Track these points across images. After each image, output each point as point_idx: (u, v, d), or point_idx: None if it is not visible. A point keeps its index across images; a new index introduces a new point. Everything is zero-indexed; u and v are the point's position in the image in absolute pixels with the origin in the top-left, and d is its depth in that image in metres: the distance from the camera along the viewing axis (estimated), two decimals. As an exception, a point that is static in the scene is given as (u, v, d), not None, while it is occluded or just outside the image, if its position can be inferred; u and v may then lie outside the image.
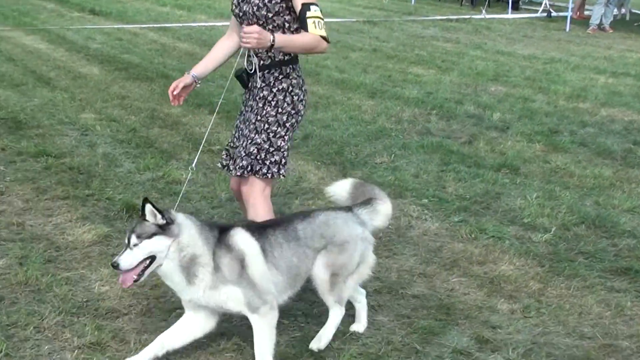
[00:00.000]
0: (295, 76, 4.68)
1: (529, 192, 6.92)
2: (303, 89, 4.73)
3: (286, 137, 4.66)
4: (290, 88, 4.66)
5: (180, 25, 17.15)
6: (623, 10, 20.77)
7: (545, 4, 21.91)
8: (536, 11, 21.98)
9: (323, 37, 4.52)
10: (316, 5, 4.53)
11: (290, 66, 4.65)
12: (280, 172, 4.64)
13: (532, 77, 12.35)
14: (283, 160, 4.66)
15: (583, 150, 8.42)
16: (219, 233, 3.84)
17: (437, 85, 11.47)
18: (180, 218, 3.76)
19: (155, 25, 16.89)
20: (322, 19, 4.54)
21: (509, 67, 13.13)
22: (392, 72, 12.39)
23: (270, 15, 4.49)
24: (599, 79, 12.43)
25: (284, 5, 4.48)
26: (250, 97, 4.72)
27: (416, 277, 5.16)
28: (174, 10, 20.17)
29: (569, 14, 19.15)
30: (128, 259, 3.64)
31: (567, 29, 18.64)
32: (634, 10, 22.62)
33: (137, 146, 7.82)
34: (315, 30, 4.48)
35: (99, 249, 5.27)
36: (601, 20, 18.42)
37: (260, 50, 4.51)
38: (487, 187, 7.06)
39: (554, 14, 21.44)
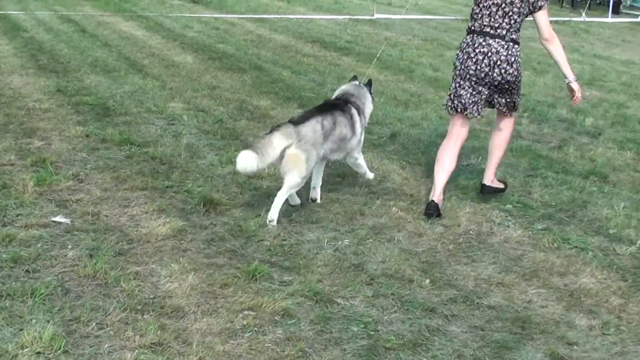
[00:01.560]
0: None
1: (617, 201, 6.59)
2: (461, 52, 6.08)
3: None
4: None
5: (279, 16, 17.12)
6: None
7: None
8: (637, 16, 21.28)
9: None
10: None
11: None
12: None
13: (628, 82, 11.89)
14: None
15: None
16: None
17: (531, 87, 11.12)
18: None
19: (253, 16, 16.89)
20: None
21: (606, 72, 12.67)
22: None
23: None
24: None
25: None
26: None
27: (494, 286, 4.92)
28: (273, 1, 20.18)
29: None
30: None
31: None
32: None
33: (222, 138, 7.73)
34: None
35: (172, 244, 5.16)
36: None
37: None
38: (573, 194, 6.75)
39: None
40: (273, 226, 5.49)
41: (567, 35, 16.93)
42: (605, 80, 11.92)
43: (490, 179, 6.43)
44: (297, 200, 5.92)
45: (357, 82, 6.38)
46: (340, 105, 5.96)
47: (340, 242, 5.36)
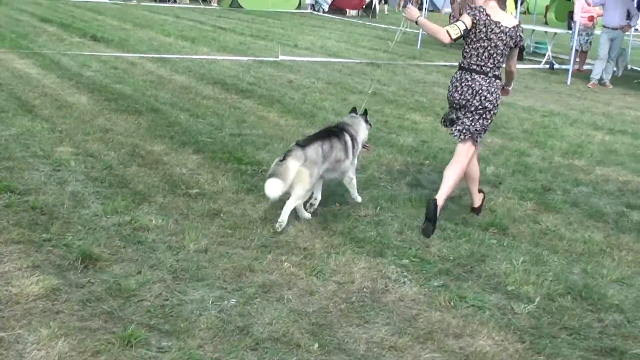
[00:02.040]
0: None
1: (516, 255, 6.48)
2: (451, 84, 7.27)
3: None
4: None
5: (181, 57, 16.80)
6: (621, 68, 20.43)
7: (548, 55, 21.51)
8: (539, 62, 21.63)
9: (448, 32, 6.89)
10: (461, 21, 7.02)
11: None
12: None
13: (529, 130, 11.93)
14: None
15: (575, 211, 7.98)
16: None
17: (434, 133, 11.05)
18: None
19: (155, 56, 16.53)
20: (458, 25, 6.96)
21: (508, 119, 12.72)
22: (389, 118, 11.99)
23: None
24: (596, 135, 12.02)
25: None
26: None
27: (386, 350, 4.68)
28: (177, 41, 19.85)
29: (570, 67, 18.77)
30: None
31: (568, 82, 18.27)
32: (634, 67, 22.30)
33: (109, 185, 7.35)
34: (448, 26, 6.96)
35: (44, 305, 4.78)
36: (602, 75, 18.04)
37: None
38: (472, 248, 6.61)
39: (556, 66, 21.09)
40: (281, 227, 6.52)
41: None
42: (507, 127, 11.94)
43: (477, 203, 7.67)
44: (306, 215, 6.96)
45: (354, 114, 7.59)
46: (336, 132, 7.07)
47: (226, 302, 5.06)
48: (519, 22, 7.18)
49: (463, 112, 7.21)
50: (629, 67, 22.04)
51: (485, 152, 10.15)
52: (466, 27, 7.03)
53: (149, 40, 19.28)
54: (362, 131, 7.45)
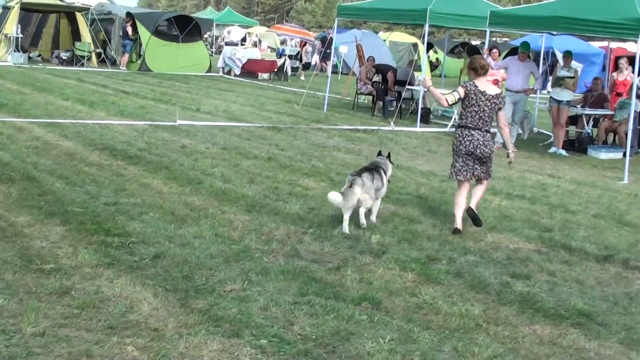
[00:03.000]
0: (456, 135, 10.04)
1: (385, 333, 6.17)
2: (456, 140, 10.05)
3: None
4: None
5: (75, 121, 16.34)
6: (527, 131, 20.63)
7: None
8: (446, 125, 21.72)
9: (446, 99, 9.86)
10: (457, 91, 9.87)
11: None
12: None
13: (425, 195, 11.77)
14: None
15: (457, 282, 7.74)
16: None
17: (325, 200, 10.75)
18: None
19: (46, 120, 16.03)
20: (454, 94, 9.85)
21: (404, 184, 12.57)
22: (281, 184, 11.71)
23: None
24: (493, 200, 11.91)
25: None
26: None
27: None
28: (75, 104, 19.41)
29: (474, 130, 18.81)
30: None
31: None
32: (541, 130, 22.57)
33: (-48, 263, 6.84)
34: (447, 94, 9.88)
35: None
36: (505, 138, 18.18)
37: None
38: (339, 324, 6.28)
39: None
40: (365, 226, 9.59)
41: (373, 145, 16.96)
42: (402, 192, 11.78)
43: (474, 205, 10.25)
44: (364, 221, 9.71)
45: (382, 156, 10.61)
46: (374, 168, 9.99)
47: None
48: (501, 91, 10.00)
49: (469, 159, 10.03)
50: (535, 129, 22.28)
51: (375, 219, 9.91)
52: (460, 96, 9.80)
53: (44, 105, 18.81)
54: (389, 168, 10.43)
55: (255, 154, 14.21)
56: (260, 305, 6.57)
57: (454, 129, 20.02)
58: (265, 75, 37.21)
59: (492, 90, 9.76)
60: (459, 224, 9.88)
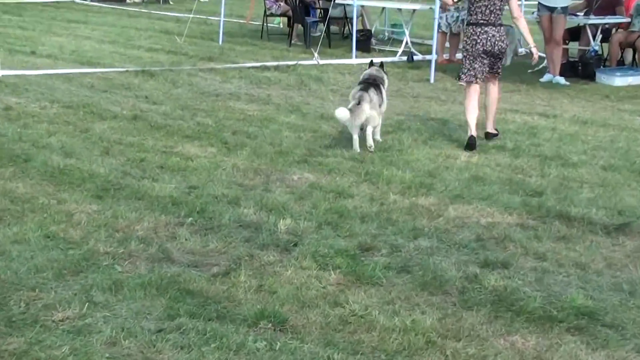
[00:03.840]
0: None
1: (287, 365, 5.94)
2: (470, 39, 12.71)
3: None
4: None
5: None
6: (510, 53, 20.54)
7: (407, 43, 21.51)
8: (394, 54, 21.60)
9: None
10: None
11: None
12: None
13: (360, 156, 11.61)
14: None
15: (402, 281, 7.62)
16: None
17: (212, 173, 10.62)
18: None
19: None
20: None
21: (333, 139, 12.40)
22: (149, 153, 11.48)
23: None
24: (458, 156, 11.80)
25: None
26: None
27: None
28: None
29: (433, 57, 18.72)
30: None
31: (432, 80, 18.24)
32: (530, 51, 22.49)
33: None
34: None
35: None
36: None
37: None
38: (224, 358, 6.04)
39: (418, 57, 21.12)
40: (372, 148, 12.20)
41: (289, 87, 16.94)
42: (327, 154, 11.66)
43: (491, 127, 13.14)
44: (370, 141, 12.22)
45: (375, 66, 13.22)
46: (374, 83, 12.57)
47: None
48: None
49: (485, 58, 12.66)
50: (522, 50, 22.30)
51: (285, 195, 9.85)
52: None
53: None
54: (386, 80, 13.14)
55: (114, 112, 13.95)
56: (106, 338, 6.34)
57: (406, 57, 20.03)
58: (137, -2, 36.88)
59: None
60: (473, 130, 12.55)
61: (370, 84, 12.34)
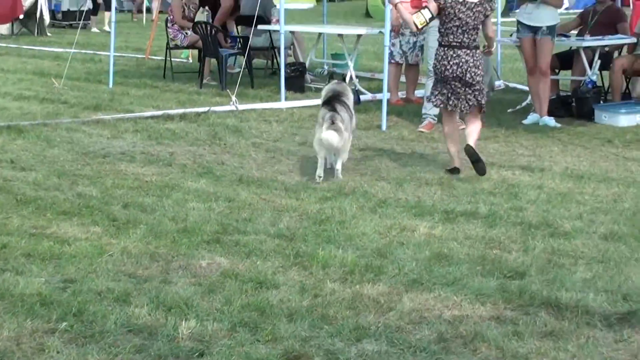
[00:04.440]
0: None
1: None
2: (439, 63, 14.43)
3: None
4: None
5: None
6: (497, 85, 20.64)
7: (351, 78, 21.56)
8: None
9: (414, 22, 14.25)
10: (427, 9, 14.17)
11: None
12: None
13: (287, 232, 11.56)
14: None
15: None
16: None
17: (94, 261, 10.54)
18: None
19: None
20: (423, 14, 14.18)
21: (254, 211, 12.36)
22: (13, 238, 11.42)
23: None
24: (416, 228, 11.76)
25: None
26: None
27: None
28: None
29: (384, 97, 18.70)
30: None
31: (384, 127, 18.20)
32: (510, 84, 22.68)
33: None
34: (414, 15, 14.39)
35: None
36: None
37: None
38: None
39: (366, 96, 21.18)
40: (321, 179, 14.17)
41: (198, 143, 16.89)
42: (246, 231, 11.70)
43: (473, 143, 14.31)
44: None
45: (337, 81, 15.33)
46: (338, 99, 14.44)
47: None
48: None
49: (459, 85, 14.19)
50: (498, 83, 22.39)
51: (191, 288, 9.67)
52: (432, 14, 13.93)
53: None
54: (350, 95, 15.07)
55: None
56: None
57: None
58: (4, 29, 36.69)
59: None
60: (457, 162, 14.33)
61: (337, 100, 14.23)
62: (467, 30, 14.00)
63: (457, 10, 13.83)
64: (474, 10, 13.89)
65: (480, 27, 14.13)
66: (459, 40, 14.01)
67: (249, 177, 14.23)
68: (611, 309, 9.40)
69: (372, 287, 9.96)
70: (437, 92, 14.47)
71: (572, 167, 15.22)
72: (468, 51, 14.06)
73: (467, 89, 14.11)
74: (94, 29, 39.73)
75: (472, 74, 14.03)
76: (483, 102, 14.35)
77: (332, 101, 14.07)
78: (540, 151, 16.49)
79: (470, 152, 13.91)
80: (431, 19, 14.05)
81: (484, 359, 8.31)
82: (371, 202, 13.15)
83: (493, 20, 14.03)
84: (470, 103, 14.18)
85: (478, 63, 14.14)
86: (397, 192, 13.69)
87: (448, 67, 14.09)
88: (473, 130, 14.31)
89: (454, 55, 14.06)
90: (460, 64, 14.02)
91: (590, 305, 9.47)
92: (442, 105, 14.48)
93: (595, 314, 9.22)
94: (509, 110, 19.65)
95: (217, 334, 8.78)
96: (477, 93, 14.16)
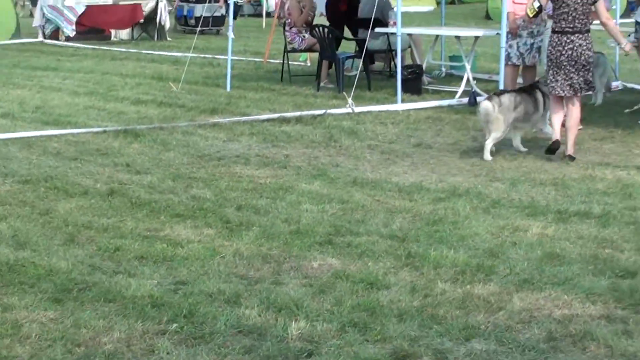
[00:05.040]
0: None
1: None
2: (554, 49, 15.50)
3: None
4: None
5: None
6: (601, 89, 20.44)
7: (468, 80, 21.47)
8: (452, 95, 21.59)
9: (527, 12, 15.92)
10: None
11: None
12: None
13: (401, 233, 11.59)
14: None
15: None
16: None
17: (207, 263, 10.71)
18: None
19: None
20: (533, 4, 15.53)
21: (367, 212, 12.38)
22: (127, 240, 11.54)
23: None
24: (529, 228, 11.71)
25: None
26: None
27: None
28: None
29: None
30: None
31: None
32: (628, 84, 22.45)
33: None
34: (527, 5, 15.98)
35: None
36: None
37: None
38: None
39: (482, 97, 21.02)
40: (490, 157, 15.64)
41: (313, 146, 16.87)
42: (356, 230, 11.62)
43: (571, 149, 15.28)
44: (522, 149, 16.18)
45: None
46: (527, 90, 16.18)
47: None
48: None
49: (572, 69, 15.08)
50: (616, 84, 22.16)
51: (301, 289, 9.73)
52: (540, 3, 15.25)
53: None
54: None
55: (84, 187, 13.95)
56: None
57: (467, 99, 20.01)
58: (124, 33, 36.90)
59: None
60: (557, 134, 15.46)
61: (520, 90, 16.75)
62: (577, 17, 14.87)
63: None
64: None
65: (591, 12, 14.97)
66: (571, 26, 14.93)
67: (363, 178, 14.21)
68: None
69: (482, 287, 9.93)
70: (548, 82, 15.41)
71: (695, 168, 15.00)
72: (580, 35, 14.96)
73: (579, 71, 15.06)
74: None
75: (586, 57, 15.01)
76: (590, 84, 15.49)
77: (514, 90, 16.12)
78: (659, 151, 16.24)
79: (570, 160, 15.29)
80: (539, 8, 15.42)
81: (593, 357, 8.26)
82: (485, 202, 13.09)
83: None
84: (580, 85, 15.15)
85: (590, 46, 15.11)
86: (510, 193, 13.62)
87: (563, 52, 15.01)
88: (571, 124, 15.36)
89: (568, 40, 14.98)
90: (575, 47, 14.96)
91: (702, 305, 9.35)
92: (556, 93, 15.28)
93: None
94: (626, 111, 19.40)
95: (326, 334, 8.78)
96: (586, 74, 15.13)
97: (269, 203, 13.14)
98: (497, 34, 20.64)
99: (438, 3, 44.19)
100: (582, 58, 14.95)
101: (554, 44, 15.16)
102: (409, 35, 23.51)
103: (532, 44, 20.62)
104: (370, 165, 15.23)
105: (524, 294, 9.74)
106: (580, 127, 16.11)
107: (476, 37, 22.70)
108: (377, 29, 22.73)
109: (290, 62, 25.50)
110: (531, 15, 15.62)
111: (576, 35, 14.94)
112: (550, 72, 15.34)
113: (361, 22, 24.17)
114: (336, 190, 13.91)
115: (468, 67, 22.03)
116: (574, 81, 15.10)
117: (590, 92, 16.96)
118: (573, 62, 14.97)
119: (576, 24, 14.89)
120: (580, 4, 14.81)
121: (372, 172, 14.94)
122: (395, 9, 22.73)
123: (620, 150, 16.37)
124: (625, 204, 12.91)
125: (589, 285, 9.88)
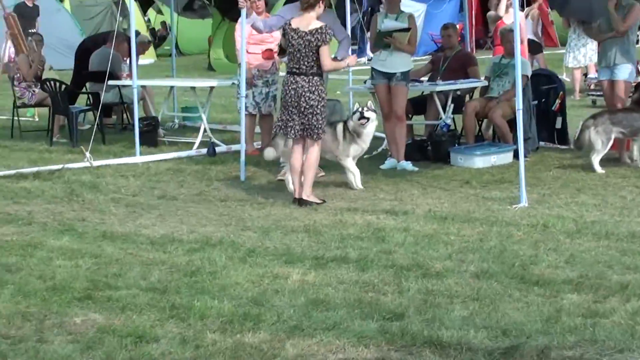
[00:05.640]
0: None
1: None
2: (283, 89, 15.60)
3: None
4: None
5: None
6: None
7: (205, 130, 21.50)
8: (190, 146, 21.63)
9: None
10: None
11: None
12: None
13: (162, 287, 11.45)
14: None
15: None
16: None
17: None
18: None
19: None
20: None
21: (124, 267, 12.21)
22: None
23: None
24: (289, 275, 11.79)
25: None
26: None
27: None
28: None
29: (242, 148, 18.63)
30: None
31: (243, 177, 18.16)
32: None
33: None
34: None
35: None
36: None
37: None
38: None
39: (221, 147, 21.13)
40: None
41: (58, 200, 16.60)
42: (104, 288, 11.43)
43: (304, 193, 15.33)
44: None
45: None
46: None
47: None
48: (323, 25, 15.03)
49: (297, 114, 15.17)
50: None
51: (69, 346, 9.57)
52: (280, 42, 16.75)
53: None
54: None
55: None
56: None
57: (206, 150, 20.02)
58: None
59: (309, 25, 15.06)
60: (297, 192, 15.34)
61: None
62: (301, 58, 15.08)
63: (290, 37, 15.11)
64: (305, 38, 15.00)
65: (317, 56, 15.07)
66: (297, 67, 15.13)
67: (112, 232, 14.07)
68: (493, 344, 9.45)
69: (253, 336, 9.90)
70: (278, 121, 15.66)
71: (435, 209, 15.28)
72: (305, 77, 15.07)
73: (302, 115, 15.12)
74: None
75: (306, 99, 15.03)
76: (319, 130, 15.32)
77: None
78: (402, 195, 16.52)
79: (301, 204, 15.43)
80: (279, 46, 16.99)
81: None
82: (240, 251, 13.07)
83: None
84: (305, 133, 15.26)
85: (314, 89, 15.11)
86: (264, 241, 13.63)
87: (287, 91, 15.21)
88: (309, 166, 15.41)
89: (293, 81, 15.15)
90: (297, 88, 15.06)
91: (472, 342, 9.52)
92: (280, 132, 15.60)
93: (479, 350, 9.27)
94: (365, 157, 19.59)
95: (101, 391, 8.63)
96: (314, 123, 15.13)
97: (19, 260, 12.87)
98: (233, 83, 20.78)
99: (158, 56, 44.30)
100: (302, 100, 15.12)
101: (284, 84, 15.48)
102: (143, 87, 23.27)
103: (267, 93, 20.81)
104: (117, 218, 15.07)
105: (295, 341, 9.73)
106: (322, 173, 16.78)
107: (211, 88, 22.66)
108: (110, 82, 22.45)
109: (20, 118, 25.03)
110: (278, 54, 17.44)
111: (300, 76, 15.15)
112: (281, 111, 15.70)
113: (92, 75, 23.89)
114: (87, 244, 13.72)
115: (204, 117, 22.01)
116: (304, 126, 15.32)
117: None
118: (295, 104, 15.18)
119: (301, 66, 15.15)
120: (305, 45, 15.07)
121: (120, 226, 14.78)
122: (127, 62, 22.65)
123: (365, 195, 16.54)
124: (379, 247, 13.04)
125: (359, 329, 9.92)
